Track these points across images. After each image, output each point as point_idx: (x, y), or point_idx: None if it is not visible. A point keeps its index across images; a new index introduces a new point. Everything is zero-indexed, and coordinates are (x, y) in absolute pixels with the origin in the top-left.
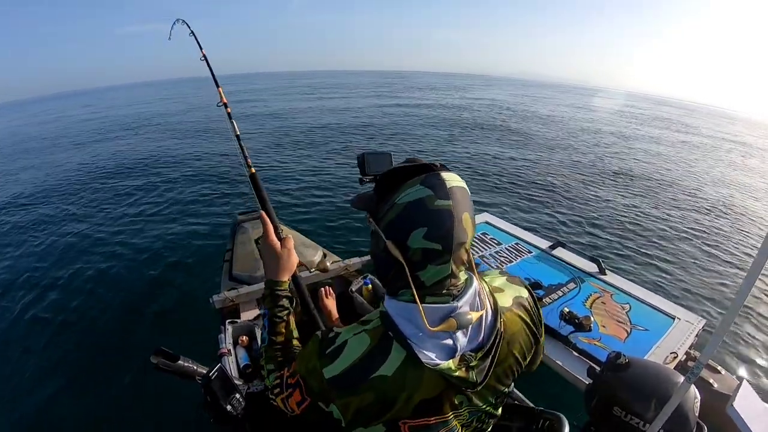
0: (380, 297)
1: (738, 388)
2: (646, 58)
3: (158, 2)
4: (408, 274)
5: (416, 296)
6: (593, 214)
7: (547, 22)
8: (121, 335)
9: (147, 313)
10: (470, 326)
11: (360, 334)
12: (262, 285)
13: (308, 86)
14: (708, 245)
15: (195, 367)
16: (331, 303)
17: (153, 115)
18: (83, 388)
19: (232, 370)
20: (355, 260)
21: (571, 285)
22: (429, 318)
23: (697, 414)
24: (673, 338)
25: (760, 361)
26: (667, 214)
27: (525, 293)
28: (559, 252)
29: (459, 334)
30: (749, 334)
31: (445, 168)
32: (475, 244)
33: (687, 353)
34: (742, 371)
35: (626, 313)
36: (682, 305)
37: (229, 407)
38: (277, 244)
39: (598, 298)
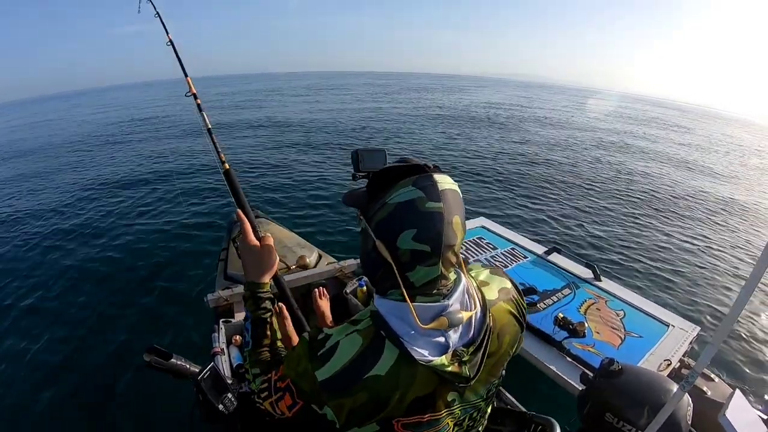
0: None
1: (731, 396)
2: (647, 60)
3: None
4: (397, 274)
5: (406, 295)
6: (589, 220)
7: (547, 23)
8: (114, 333)
9: (141, 311)
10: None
11: (351, 334)
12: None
13: (305, 87)
14: (703, 252)
15: (188, 366)
16: (324, 304)
17: (147, 116)
18: (75, 386)
19: (225, 370)
20: (351, 262)
21: (566, 291)
22: (420, 317)
23: (689, 422)
24: (666, 345)
25: (753, 370)
26: (664, 221)
27: (508, 284)
28: (555, 257)
29: (451, 331)
30: (743, 343)
31: (438, 169)
32: (471, 249)
33: (681, 361)
34: (736, 380)
35: (620, 319)
36: (676, 313)
37: (220, 406)
38: (256, 243)
39: (592, 304)
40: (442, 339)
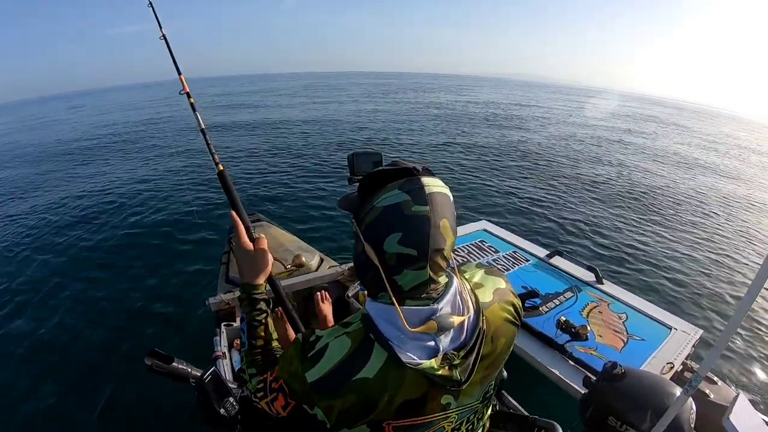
0: None
1: (735, 400)
2: (648, 58)
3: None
4: (384, 277)
5: (394, 299)
6: (591, 223)
7: (548, 21)
8: (116, 337)
9: (142, 314)
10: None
11: (341, 336)
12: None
13: (304, 87)
14: (706, 254)
15: (189, 370)
16: (327, 308)
17: (147, 117)
18: (78, 390)
19: (227, 374)
20: (353, 265)
21: (569, 294)
22: (408, 320)
23: (693, 425)
24: (669, 348)
25: (757, 374)
26: (666, 223)
27: (503, 284)
28: (557, 261)
29: (441, 335)
30: (747, 346)
31: (428, 172)
32: (473, 252)
33: (683, 364)
34: (739, 383)
35: (623, 322)
36: (678, 315)
37: (222, 410)
38: (250, 245)
39: (595, 307)
40: (431, 343)
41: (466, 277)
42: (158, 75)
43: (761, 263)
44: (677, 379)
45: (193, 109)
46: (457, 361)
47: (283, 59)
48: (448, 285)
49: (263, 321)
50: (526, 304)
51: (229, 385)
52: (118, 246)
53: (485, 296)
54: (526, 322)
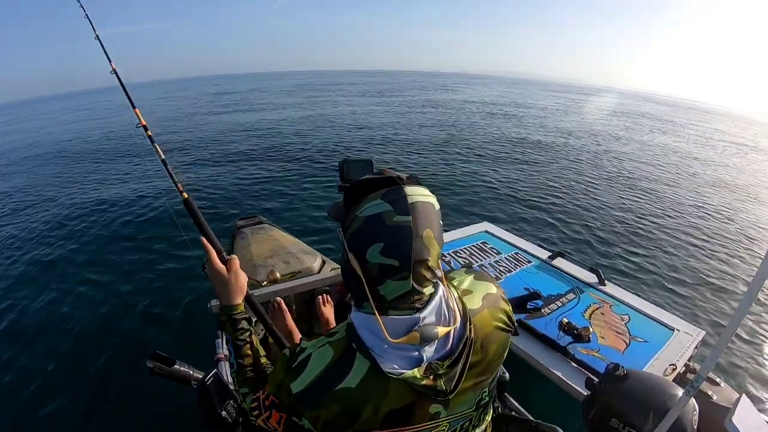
0: None
1: (737, 401)
2: (646, 58)
3: (141, 3)
4: (366, 287)
5: (374, 308)
6: (593, 224)
7: (547, 21)
8: (118, 339)
9: (145, 316)
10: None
11: (323, 347)
12: (261, 290)
13: (295, 86)
14: (708, 255)
15: (191, 372)
16: (328, 311)
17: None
18: (79, 392)
19: (229, 376)
20: None
21: (571, 295)
22: (391, 330)
23: (695, 427)
24: (672, 350)
25: (760, 375)
26: (668, 224)
27: (493, 289)
28: (559, 262)
29: (426, 345)
30: (749, 347)
31: (413, 181)
32: (475, 253)
33: (686, 365)
34: (742, 384)
35: (625, 324)
36: (681, 317)
37: (223, 413)
38: (223, 268)
39: (597, 308)
40: (415, 353)
41: (454, 284)
42: (155, 75)
43: (760, 263)
44: (680, 380)
45: (152, 141)
46: (441, 371)
47: (276, 58)
48: (432, 295)
49: (247, 339)
50: (528, 306)
51: (231, 387)
52: (119, 249)
53: (473, 303)
54: (528, 323)
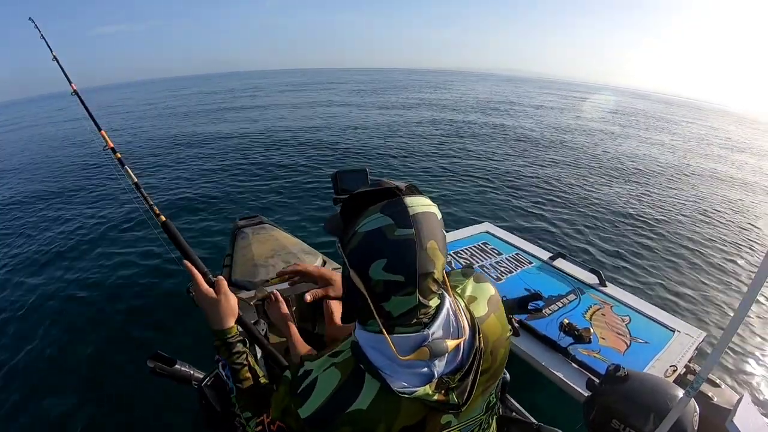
0: None
1: (738, 402)
2: (645, 56)
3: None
4: (371, 305)
5: (382, 326)
6: (594, 225)
7: (546, 20)
8: (119, 339)
9: (145, 317)
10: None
11: (329, 369)
12: (261, 290)
13: (288, 85)
14: (709, 256)
15: (192, 372)
16: (335, 305)
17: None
18: (81, 392)
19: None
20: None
21: (571, 296)
22: (399, 349)
23: (696, 428)
24: (672, 351)
25: (760, 376)
26: (669, 225)
27: (492, 290)
28: (560, 263)
29: (436, 360)
30: (750, 348)
31: (413, 191)
32: (476, 254)
33: (687, 366)
34: (743, 385)
35: (626, 325)
36: (682, 318)
37: (224, 413)
38: (211, 292)
39: (598, 309)
40: (425, 369)
41: (458, 292)
42: (144, 74)
43: (759, 264)
44: (680, 381)
45: (122, 164)
46: (453, 385)
47: (270, 57)
48: (439, 307)
49: (245, 362)
50: (529, 307)
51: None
52: (118, 249)
53: (480, 310)
54: (528, 324)
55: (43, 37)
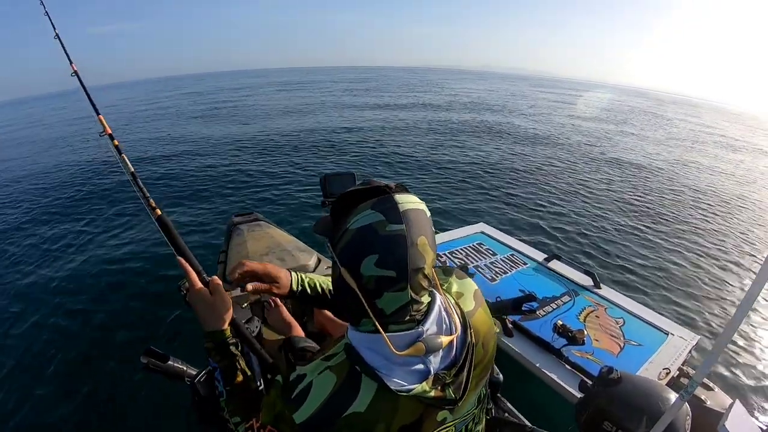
0: None
1: (731, 407)
2: (643, 54)
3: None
4: (364, 302)
5: (377, 324)
6: (589, 227)
7: (545, 19)
8: (112, 335)
9: (138, 312)
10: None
11: (324, 372)
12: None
13: (280, 84)
14: (704, 259)
15: (185, 368)
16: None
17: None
18: (73, 389)
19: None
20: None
21: (566, 298)
22: (395, 346)
23: (688, 431)
24: (666, 354)
25: (754, 381)
26: (665, 228)
27: (475, 285)
28: (554, 264)
29: (431, 356)
30: (744, 352)
31: (402, 189)
32: (471, 255)
33: (680, 369)
34: (736, 389)
35: (620, 327)
36: (675, 321)
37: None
38: (206, 291)
39: (592, 311)
40: (421, 366)
41: (445, 288)
42: (141, 74)
43: (758, 270)
44: (673, 384)
45: (119, 152)
46: (449, 380)
47: (263, 56)
48: (431, 304)
49: (237, 366)
50: (523, 308)
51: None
52: (111, 242)
53: (468, 304)
54: (522, 325)
55: (47, 14)
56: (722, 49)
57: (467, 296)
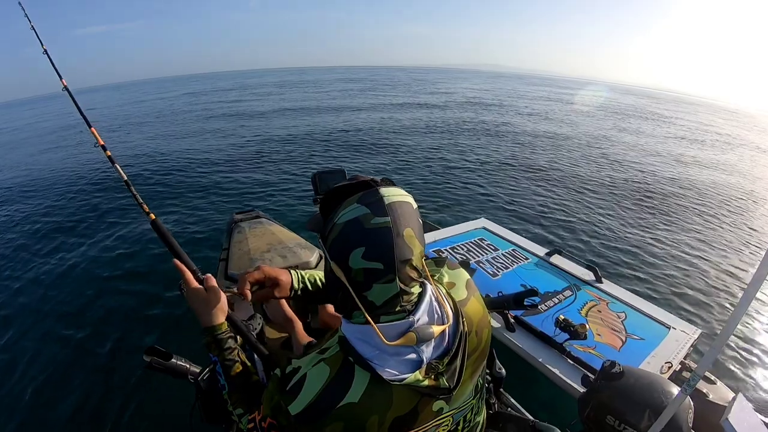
0: None
1: (733, 400)
2: (642, 52)
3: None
4: (353, 294)
5: (367, 316)
6: (591, 221)
7: (544, 18)
8: (115, 333)
9: (141, 310)
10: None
11: (318, 364)
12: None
13: (276, 84)
14: (706, 253)
15: (188, 366)
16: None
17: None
18: (74, 387)
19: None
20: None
21: (568, 292)
22: (386, 336)
23: (690, 425)
24: (668, 348)
25: (757, 374)
26: (666, 221)
27: (467, 274)
28: (556, 259)
29: (423, 345)
30: (746, 346)
31: (388, 182)
32: (473, 250)
33: (682, 363)
34: (739, 383)
35: (622, 321)
36: (678, 315)
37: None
38: (201, 289)
39: (594, 306)
40: (413, 355)
41: (436, 278)
42: (130, 75)
43: (759, 262)
44: (676, 378)
45: (112, 162)
46: (442, 369)
47: (257, 57)
48: (422, 295)
49: (236, 358)
50: (525, 303)
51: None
52: (109, 244)
53: (460, 293)
54: (524, 320)
55: (33, 29)
56: (719, 47)
57: (459, 285)
